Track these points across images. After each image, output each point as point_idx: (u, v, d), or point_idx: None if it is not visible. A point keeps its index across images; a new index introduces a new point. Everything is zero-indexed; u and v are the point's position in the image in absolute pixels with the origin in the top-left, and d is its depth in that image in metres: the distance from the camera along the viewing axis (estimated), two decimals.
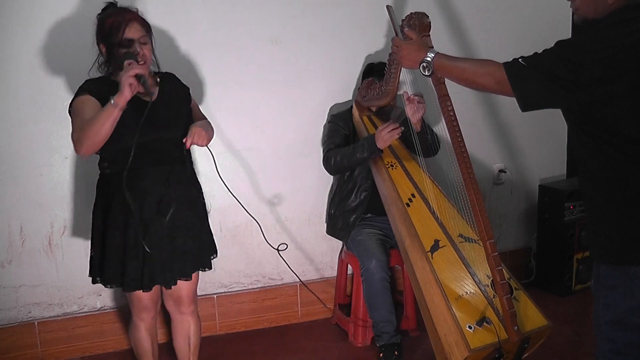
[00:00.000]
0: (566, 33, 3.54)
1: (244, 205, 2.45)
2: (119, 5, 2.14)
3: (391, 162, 2.74)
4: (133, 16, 2.07)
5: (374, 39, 3.09)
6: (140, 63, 2.00)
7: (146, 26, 2.10)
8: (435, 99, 2.23)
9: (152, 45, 2.12)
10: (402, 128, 2.66)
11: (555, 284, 3.37)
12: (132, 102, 1.95)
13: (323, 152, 2.91)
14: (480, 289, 2.30)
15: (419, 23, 2.21)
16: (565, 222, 3.30)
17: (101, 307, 2.88)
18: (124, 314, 2.89)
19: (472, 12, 3.27)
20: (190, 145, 2.11)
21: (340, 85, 3.07)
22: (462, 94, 3.23)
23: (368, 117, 2.91)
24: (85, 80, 2.13)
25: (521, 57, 1.60)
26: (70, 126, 2.06)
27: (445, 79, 2.12)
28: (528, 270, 3.56)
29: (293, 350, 2.90)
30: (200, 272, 2.28)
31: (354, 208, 2.88)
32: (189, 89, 2.32)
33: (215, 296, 3.02)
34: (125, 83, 1.90)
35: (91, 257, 2.18)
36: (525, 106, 1.62)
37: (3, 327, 2.74)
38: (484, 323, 2.19)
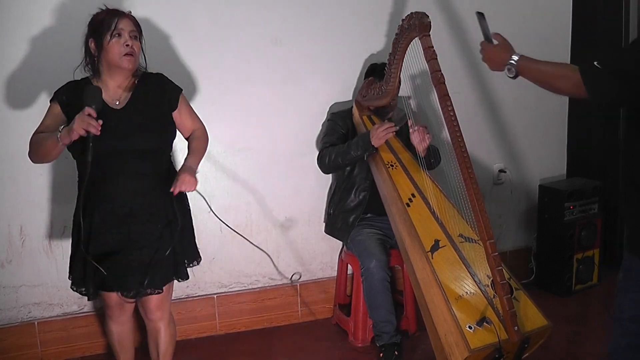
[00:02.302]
0: (566, 33, 3.55)
1: (248, 239, 2.60)
2: (118, 8, 2.14)
3: (391, 161, 2.74)
4: (126, 14, 2.09)
5: (374, 39, 3.09)
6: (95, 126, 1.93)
7: (137, 25, 2.11)
8: (436, 99, 2.23)
9: (141, 43, 2.12)
10: (398, 128, 2.66)
11: (555, 284, 3.37)
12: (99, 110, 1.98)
13: (319, 149, 2.92)
14: (480, 289, 2.30)
15: (419, 23, 2.21)
16: (565, 222, 3.30)
17: (101, 307, 2.87)
18: None
19: (472, 12, 3.25)
20: (178, 192, 2.06)
21: (340, 85, 3.07)
22: (462, 94, 3.25)
23: (368, 117, 2.91)
24: (63, 85, 2.15)
25: (596, 59, 1.60)
26: None
27: (443, 81, 2.17)
28: (528, 270, 3.56)
29: (293, 350, 2.90)
30: (191, 275, 2.27)
31: (353, 208, 2.88)
32: (180, 91, 2.22)
33: (215, 296, 3.02)
34: (77, 128, 1.91)
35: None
36: (599, 107, 1.66)
37: (3, 327, 2.74)
38: (484, 323, 2.18)
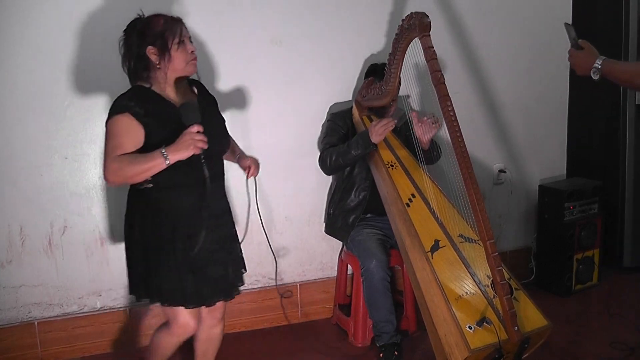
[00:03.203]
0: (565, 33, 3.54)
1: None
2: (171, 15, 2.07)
3: (391, 161, 2.74)
4: (181, 19, 2.04)
5: (374, 40, 3.09)
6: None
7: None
8: (436, 99, 2.23)
9: None
10: (396, 121, 2.66)
11: (555, 284, 3.38)
12: (173, 113, 1.95)
13: (320, 150, 2.91)
14: (480, 289, 2.30)
15: (419, 23, 2.21)
16: (565, 222, 3.30)
17: (101, 307, 2.88)
18: (124, 314, 2.90)
19: (472, 12, 3.27)
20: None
21: (340, 86, 3.07)
22: (462, 94, 3.25)
23: (368, 117, 2.91)
24: (125, 94, 1.97)
25: None
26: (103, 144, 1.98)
27: (443, 81, 2.18)
28: (528, 270, 3.56)
29: (293, 350, 2.90)
30: None
31: (353, 208, 2.88)
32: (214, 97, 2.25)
33: None
34: (187, 147, 1.87)
35: (134, 273, 2.09)
36: None
37: (3, 327, 2.74)
38: (484, 323, 2.18)
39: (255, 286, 3.09)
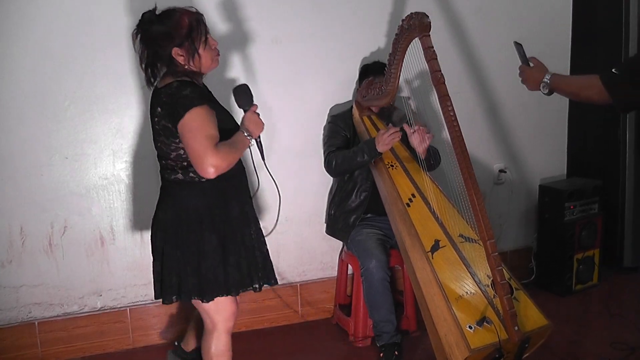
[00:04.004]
0: (566, 32, 3.55)
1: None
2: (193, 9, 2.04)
3: (391, 162, 2.74)
4: (196, 11, 2.01)
5: (374, 40, 3.09)
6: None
7: None
8: (436, 99, 2.23)
9: None
10: (401, 133, 2.65)
11: (555, 284, 3.37)
12: (214, 99, 2.08)
13: (324, 154, 2.91)
14: (480, 289, 2.30)
15: (419, 23, 2.21)
16: (566, 222, 3.30)
17: (101, 307, 2.88)
18: (125, 314, 2.90)
19: (472, 12, 3.27)
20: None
21: (340, 85, 3.07)
22: (462, 94, 3.25)
23: (368, 117, 2.91)
24: (186, 88, 1.92)
25: (615, 67, 1.82)
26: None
27: (443, 81, 2.19)
28: (528, 270, 3.56)
29: (293, 351, 2.90)
30: None
31: (354, 208, 2.88)
32: None
33: None
34: (261, 124, 2.08)
35: (161, 273, 2.07)
36: (624, 110, 1.91)
37: (3, 327, 2.74)
38: (484, 323, 2.18)
39: None
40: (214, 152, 1.86)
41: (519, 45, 2.17)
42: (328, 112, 3.06)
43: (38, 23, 2.57)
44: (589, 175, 3.55)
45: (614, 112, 3.46)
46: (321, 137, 3.02)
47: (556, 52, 3.48)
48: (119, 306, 2.90)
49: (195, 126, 1.88)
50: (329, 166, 2.85)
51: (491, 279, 2.24)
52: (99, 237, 2.80)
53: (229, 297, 2.09)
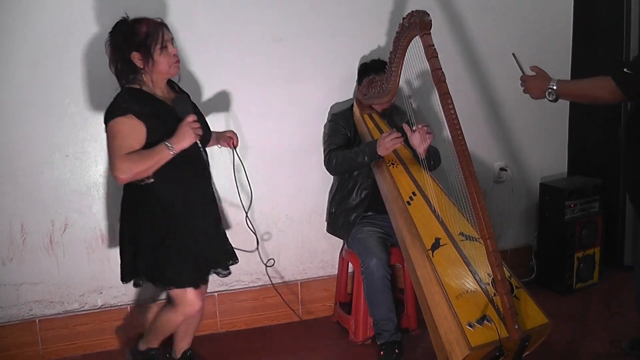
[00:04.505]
0: (566, 32, 3.54)
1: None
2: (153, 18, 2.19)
3: (392, 160, 2.74)
4: (164, 23, 2.17)
5: (375, 38, 3.09)
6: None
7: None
8: (436, 97, 2.22)
9: None
10: (403, 139, 2.64)
11: (555, 282, 3.38)
12: (166, 110, 2.14)
13: (324, 152, 2.91)
14: (481, 287, 2.30)
15: (420, 21, 2.20)
16: (566, 221, 3.30)
17: (102, 305, 2.88)
18: (125, 311, 2.90)
19: (473, 11, 3.27)
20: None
21: (341, 84, 3.07)
22: (463, 92, 3.25)
23: (369, 115, 2.91)
24: (122, 96, 2.12)
25: (625, 66, 1.89)
26: (106, 144, 2.13)
27: (444, 79, 2.17)
28: (529, 268, 3.56)
29: (294, 349, 2.90)
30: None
31: (354, 206, 2.88)
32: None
33: (216, 294, 3.03)
34: (189, 136, 2.08)
35: (140, 262, 2.24)
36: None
37: (4, 325, 2.74)
38: (485, 321, 2.18)
39: (256, 284, 3.09)
40: (119, 162, 2.04)
41: (515, 56, 2.20)
42: (328, 110, 3.06)
43: (40, 21, 2.56)
44: (590, 173, 3.55)
45: (615, 111, 3.48)
46: (322, 135, 3.02)
47: (557, 51, 3.47)
48: (119, 304, 2.90)
49: (113, 134, 2.07)
50: (328, 164, 2.84)
51: (491, 277, 2.24)
52: (99, 234, 2.81)
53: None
